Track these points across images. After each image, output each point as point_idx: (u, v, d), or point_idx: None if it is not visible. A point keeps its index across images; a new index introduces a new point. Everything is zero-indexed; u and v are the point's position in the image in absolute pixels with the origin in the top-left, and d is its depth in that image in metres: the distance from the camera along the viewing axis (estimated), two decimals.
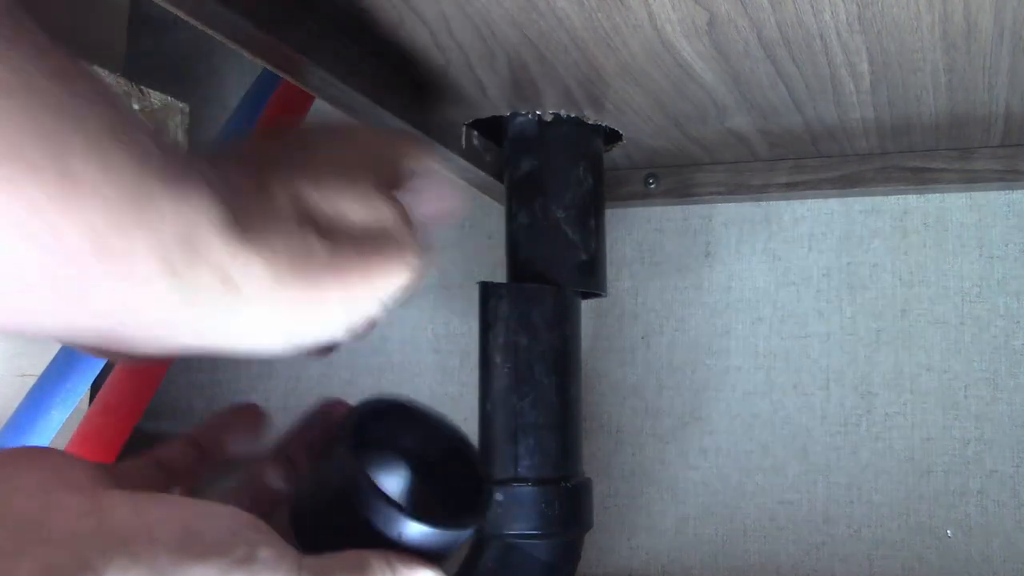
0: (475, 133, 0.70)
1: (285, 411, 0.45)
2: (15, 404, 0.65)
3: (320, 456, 0.34)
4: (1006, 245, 0.76)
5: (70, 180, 0.25)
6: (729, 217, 0.82)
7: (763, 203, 0.81)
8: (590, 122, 0.67)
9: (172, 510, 0.28)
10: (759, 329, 0.80)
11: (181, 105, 0.69)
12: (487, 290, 0.65)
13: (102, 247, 0.26)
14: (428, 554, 0.31)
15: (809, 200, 0.80)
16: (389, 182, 0.37)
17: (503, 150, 0.69)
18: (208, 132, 0.95)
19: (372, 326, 0.36)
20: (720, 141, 0.73)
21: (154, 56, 1.01)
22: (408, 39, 0.54)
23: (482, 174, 0.71)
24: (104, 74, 0.63)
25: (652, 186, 0.80)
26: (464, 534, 0.33)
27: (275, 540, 0.29)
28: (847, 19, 0.49)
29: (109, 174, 0.26)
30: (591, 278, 0.67)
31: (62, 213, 0.25)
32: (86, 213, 0.25)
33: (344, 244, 0.34)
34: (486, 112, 0.66)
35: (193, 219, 0.28)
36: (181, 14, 0.43)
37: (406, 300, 0.37)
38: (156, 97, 0.67)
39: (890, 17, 0.48)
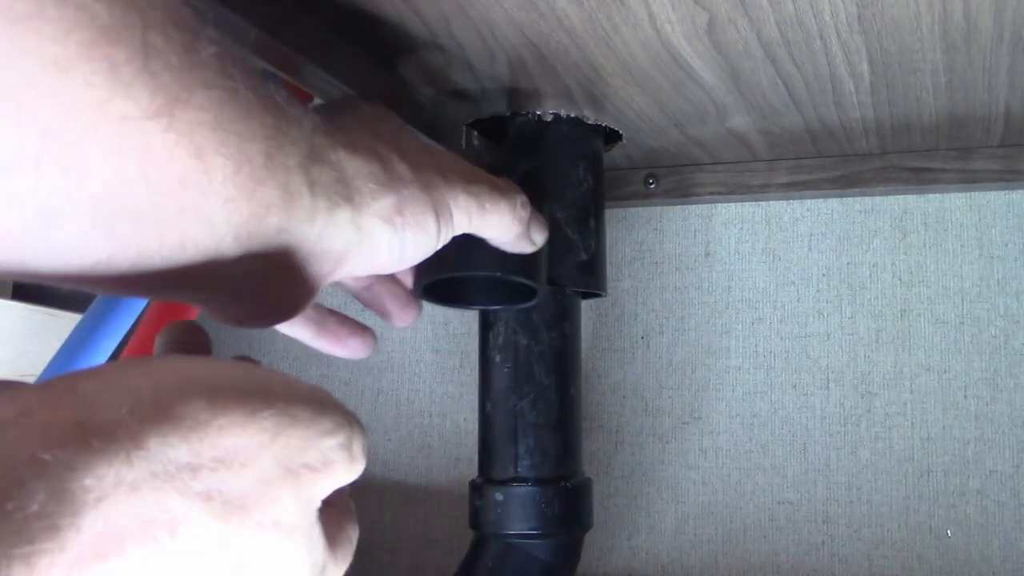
0: (475, 133, 0.70)
1: None
2: None
3: None
4: (1006, 245, 0.76)
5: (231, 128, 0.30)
6: (729, 217, 0.82)
7: (763, 203, 0.81)
8: (590, 122, 0.67)
9: (189, 363, 0.28)
10: (759, 329, 0.81)
11: None
12: None
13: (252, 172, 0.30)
14: None
15: (809, 200, 0.80)
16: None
17: (503, 150, 0.69)
18: None
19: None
20: (720, 141, 0.73)
21: None
22: (408, 39, 0.54)
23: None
24: None
25: (652, 186, 0.80)
26: None
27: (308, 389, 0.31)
28: (847, 19, 0.49)
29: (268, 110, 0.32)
30: (591, 278, 0.67)
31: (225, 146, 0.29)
32: (242, 144, 0.30)
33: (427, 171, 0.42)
34: (486, 112, 0.66)
35: (311, 131, 0.34)
36: None
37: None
38: None
39: (890, 17, 0.48)
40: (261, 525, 0.26)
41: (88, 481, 0.22)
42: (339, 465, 0.30)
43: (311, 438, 0.29)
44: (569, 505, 0.63)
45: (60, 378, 0.25)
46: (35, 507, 0.21)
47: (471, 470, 0.68)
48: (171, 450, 0.24)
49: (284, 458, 0.28)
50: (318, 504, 0.30)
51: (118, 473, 0.23)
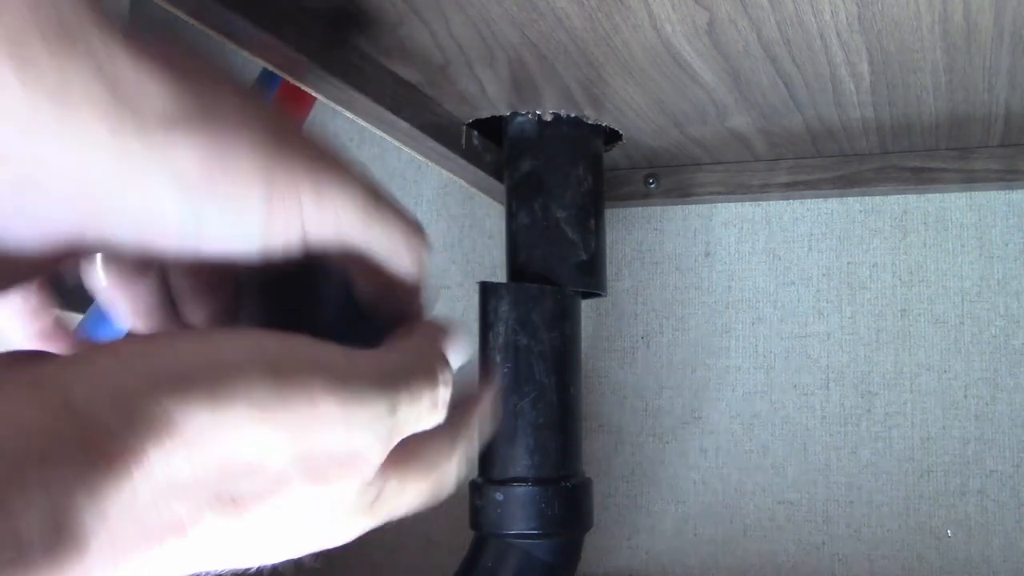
0: (475, 133, 0.70)
1: None
2: None
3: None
4: (1006, 245, 0.76)
5: None
6: (729, 217, 0.82)
7: (763, 203, 0.81)
8: (590, 122, 0.67)
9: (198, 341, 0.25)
10: (759, 329, 0.81)
11: None
12: (487, 290, 0.65)
13: None
14: None
15: (809, 200, 0.80)
16: None
17: (503, 150, 0.69)
18: None
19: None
20: (720, 141, 0.73)
21: None
22: (408, 39, 0.54)
23: (482, 174, 0.71)
24: None
25: (652, 186, 0.80)
26: None
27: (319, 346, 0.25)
28: (847, 19, 0.49)
29: None
30: (591, 278, 0.67)
31: None
32: None
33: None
34: (486, 112, 0.66)
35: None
36: (181, 14, 0.43)
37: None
38: None
39: (890, 17, 0.48)
40: (279, 508, 0.24)
41: (83, 491, 0.21)
42: (373, 454, 0.26)
43: (340, 439, 0.25)
44: (569, 505, 0.63)
45: (49, 377, 0.24)
46: (30, 513, 0.20)
47: (471, 470, 0.68)
48: (172, 457, 0.23)
49: (304, 458, 0.25)
50: (366, 480, 0.26)
51: (118, 479, 0.22)
